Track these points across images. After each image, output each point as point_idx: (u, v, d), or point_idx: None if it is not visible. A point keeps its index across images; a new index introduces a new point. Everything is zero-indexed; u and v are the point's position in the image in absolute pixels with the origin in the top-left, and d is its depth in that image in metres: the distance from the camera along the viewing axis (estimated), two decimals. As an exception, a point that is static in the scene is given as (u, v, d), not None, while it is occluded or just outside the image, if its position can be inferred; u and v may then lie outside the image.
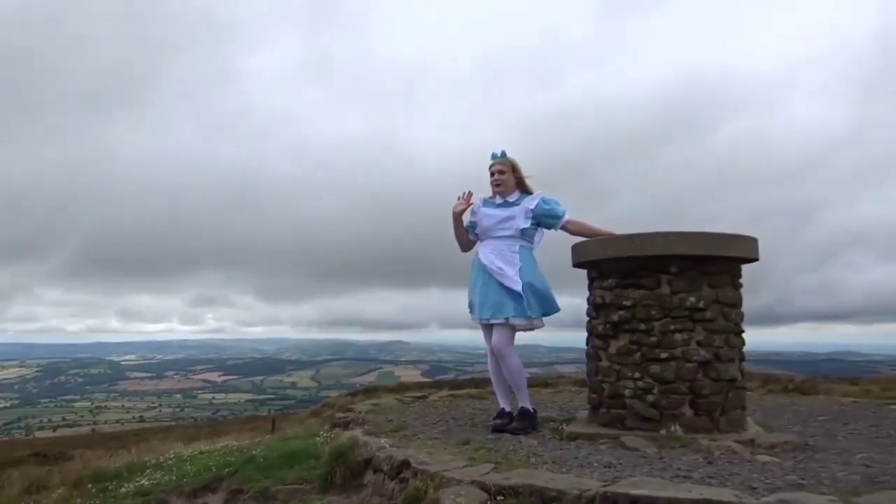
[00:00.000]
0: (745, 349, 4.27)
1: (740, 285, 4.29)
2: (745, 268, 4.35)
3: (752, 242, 4.19)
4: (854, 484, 2.86)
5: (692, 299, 4.00)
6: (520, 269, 4.28)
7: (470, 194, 4.48)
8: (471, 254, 4.68)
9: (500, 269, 4.29)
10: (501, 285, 4.27)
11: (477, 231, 4.56)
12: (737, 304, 4.19)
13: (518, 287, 4.22)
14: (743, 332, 4.25)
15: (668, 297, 4.02)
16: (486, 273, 4.36)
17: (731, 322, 4.10)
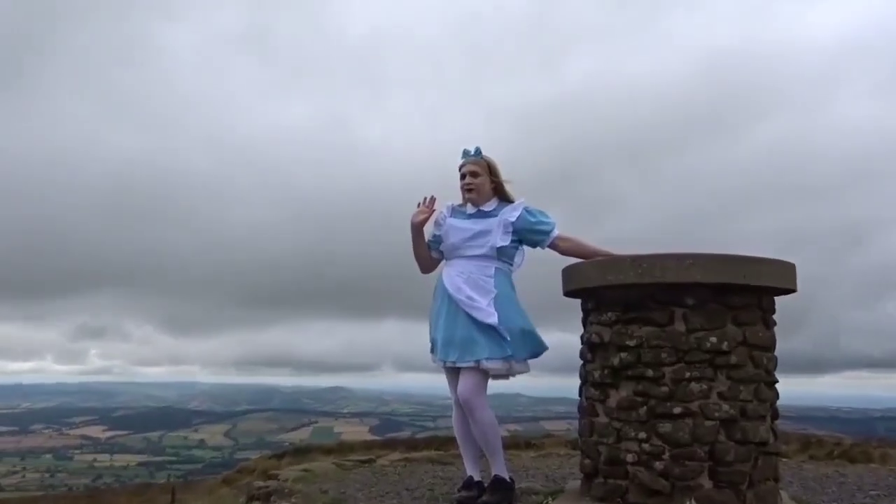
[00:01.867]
0: (779, 404, 4.32)
1: (774, 323, 4.34)
2: (780, 301, 4.41)
3: (788, 269, 4.26)
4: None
5: (713, 339, 4.03)
6: (495, 297, 4.30)
7: (433, 200, 4.50)
8: (434, 276, 4.69)
9: (468, 298, 4.30)
10: (471, 318, 4.28)
11: (442, 247, 4.58)
12: (769, 346, 4.24)
13: (493, 320, 4.23)
14: (776, 381, 4.30)
15: (682, 337, 4.05)
16: (451, 302, 4.37)
17: (761, 369, 4.14)
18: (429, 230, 4.62)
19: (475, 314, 4.26)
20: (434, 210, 4.51)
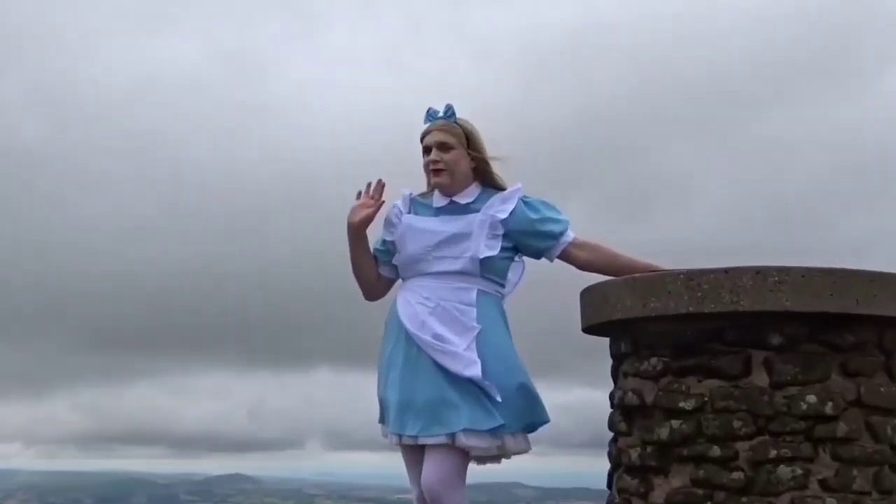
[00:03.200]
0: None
1: (903, 372, 4.40)
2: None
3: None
4: None
5: (811, 399, 4.05)
6: (478, 336, 4.30)
7: (381, 187, 4.51)
8: (385, 304, 4.71)
9: (437, 338, 4.29)
10: (441, 369, 4.26)
11: (396, 261, 4.59)
12: (896, 408, 4.29)
13: (473, 371, 4.21)
14: (908, 463, 4.35)
15: (765, 395, 4.07)
16: (410, 345, 4.36)
17: (884, 443, 4.17)
18: (376, 234, 4.64)
19: (447, 363, 4.23)
20: (382, 202, 4.52)
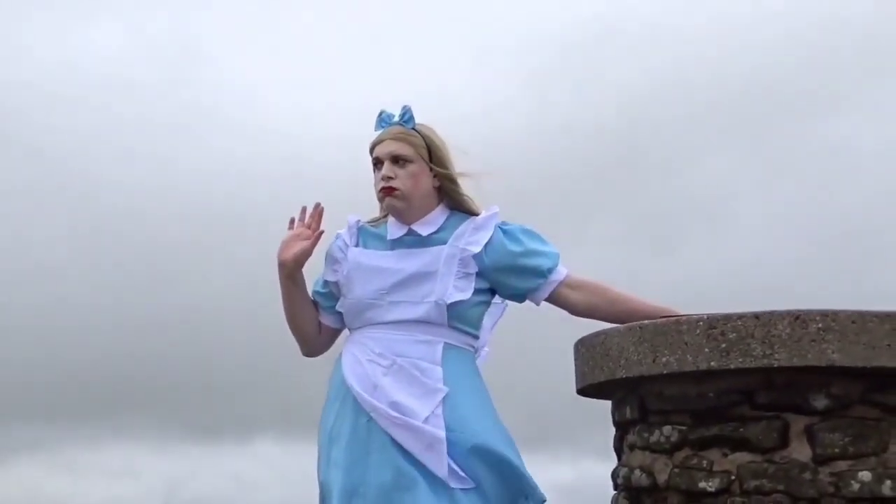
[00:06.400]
0: None
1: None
2: None
3: None
4: None
5: (865, 476, 3.98)
6: (444, 401, 4.18)
7: (319, 213, 4.43)
8: (328, 360, 4.64)
9: (392, 406, 4.17)
10: (395, 446, 4.15)
11: (341, 307, 4.51)
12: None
13: (438, 448, 4.10)
14: None
15: (806, 471, 4.00)
16: (358, 413, 4.26)
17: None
18: (314, 273, 4.55)
19: (404, 439, 4.13)
20: (321, 232, 4.42)
